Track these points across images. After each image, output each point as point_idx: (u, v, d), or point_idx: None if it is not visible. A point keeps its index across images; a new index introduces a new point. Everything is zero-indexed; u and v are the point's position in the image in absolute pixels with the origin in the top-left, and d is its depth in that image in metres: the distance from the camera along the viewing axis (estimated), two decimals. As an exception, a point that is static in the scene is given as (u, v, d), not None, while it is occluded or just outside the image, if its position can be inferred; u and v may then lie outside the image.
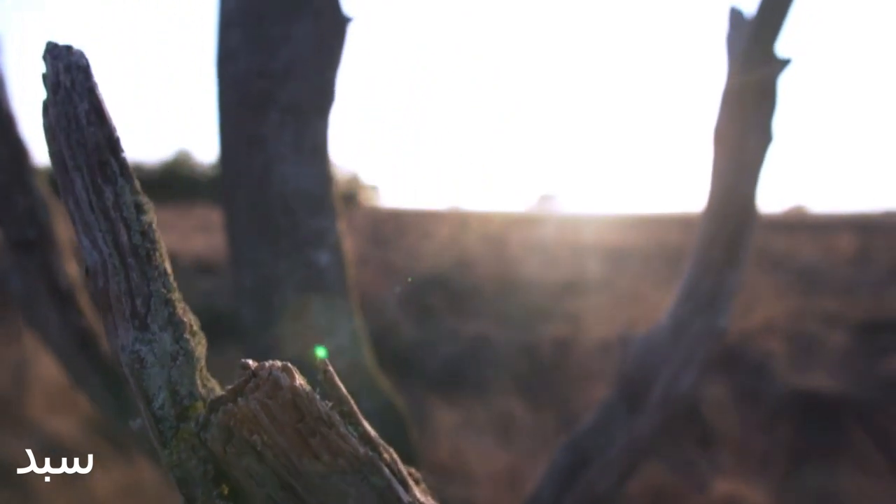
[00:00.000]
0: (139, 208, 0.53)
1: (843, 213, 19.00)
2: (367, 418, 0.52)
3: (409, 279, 6.10)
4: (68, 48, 0.53)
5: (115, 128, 0.52)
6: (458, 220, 12.61)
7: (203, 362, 0.55)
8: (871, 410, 2.98)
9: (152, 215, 0.54)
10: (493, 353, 4.01)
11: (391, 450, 0.53)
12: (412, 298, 5.17)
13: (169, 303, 0.53)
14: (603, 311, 4.70)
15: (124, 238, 0.52)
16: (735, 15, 1.56)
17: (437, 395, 3.21)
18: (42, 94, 0.53)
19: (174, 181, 18.26)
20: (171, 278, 0.54)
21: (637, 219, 14.16)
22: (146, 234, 0.53)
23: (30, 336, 1.92)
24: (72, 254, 1.58)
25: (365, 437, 0.50)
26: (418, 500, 0.52)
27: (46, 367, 2.71)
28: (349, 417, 0.50)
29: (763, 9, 1.44)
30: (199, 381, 0.53)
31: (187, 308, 0.55)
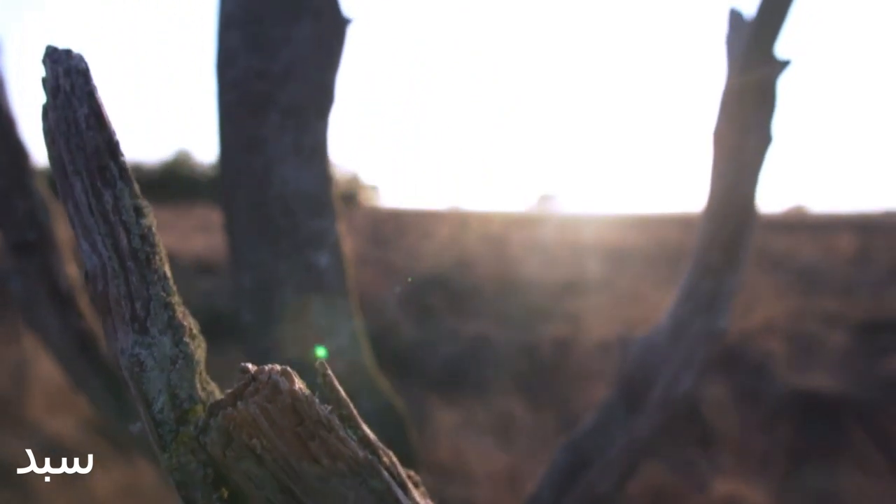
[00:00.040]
0: (139, 212, 0.53)
1: (843, 213, 18.99)
2: (366, 419, 0.52)
3: (409, 279, 6.10)
4: (68, 52, 0.53)
5: (114, 132, 0.53)
6: (458, 220, 12.60)
7: (203, 366, 0.55)
8: (871, 410, 2.98)
9: (152, 219, 0.54)
10: (493, 353, 4.02)
11: (391, 453, 0.53)
12: (412, 298, 5.17)
13: (168, 306, 0.53)
14: (603, 311, 4.71)
15: (124, 242, 0.52)
16: (735, 16, 1.56)
17: (437, 396, 3.21)
18: (42, 97, 0.53)
19: (174, 181, 18.25)
20: (171, 282, 0.54)
21: (637, 219, 14.15)
22: (146, 237, 0.53)
23: (30, 336, 1.92)
24: (72, 256, 1.58)
25: (364, 441, 0.50)
26: (417, 504, 0.53)
27: (46, 368, 2.71)
28: (348, 421, 0.50)
29: (762, 10, 1.44)
30: (198, 385, 0.53)
31: (187, 311, 0.55)
